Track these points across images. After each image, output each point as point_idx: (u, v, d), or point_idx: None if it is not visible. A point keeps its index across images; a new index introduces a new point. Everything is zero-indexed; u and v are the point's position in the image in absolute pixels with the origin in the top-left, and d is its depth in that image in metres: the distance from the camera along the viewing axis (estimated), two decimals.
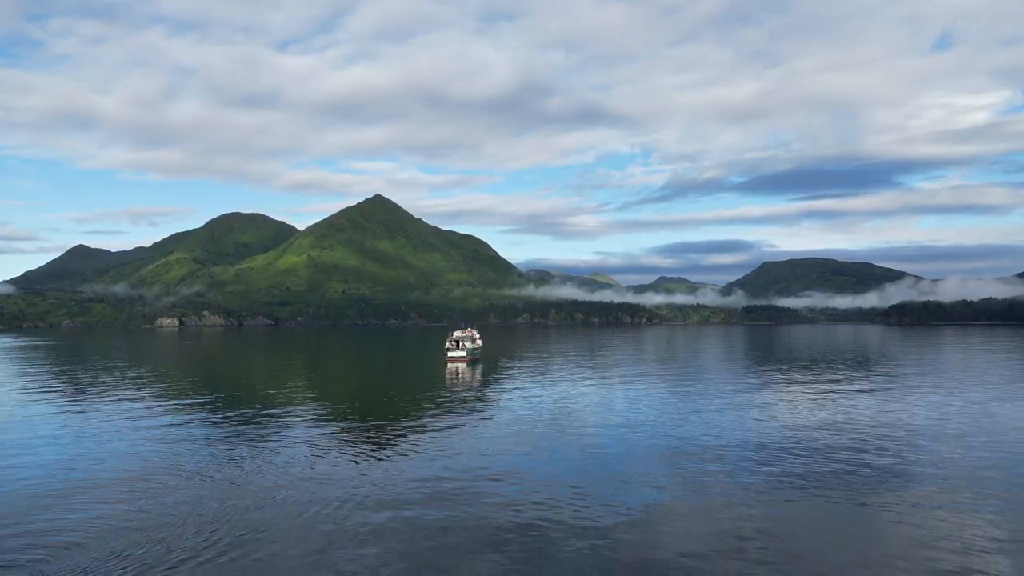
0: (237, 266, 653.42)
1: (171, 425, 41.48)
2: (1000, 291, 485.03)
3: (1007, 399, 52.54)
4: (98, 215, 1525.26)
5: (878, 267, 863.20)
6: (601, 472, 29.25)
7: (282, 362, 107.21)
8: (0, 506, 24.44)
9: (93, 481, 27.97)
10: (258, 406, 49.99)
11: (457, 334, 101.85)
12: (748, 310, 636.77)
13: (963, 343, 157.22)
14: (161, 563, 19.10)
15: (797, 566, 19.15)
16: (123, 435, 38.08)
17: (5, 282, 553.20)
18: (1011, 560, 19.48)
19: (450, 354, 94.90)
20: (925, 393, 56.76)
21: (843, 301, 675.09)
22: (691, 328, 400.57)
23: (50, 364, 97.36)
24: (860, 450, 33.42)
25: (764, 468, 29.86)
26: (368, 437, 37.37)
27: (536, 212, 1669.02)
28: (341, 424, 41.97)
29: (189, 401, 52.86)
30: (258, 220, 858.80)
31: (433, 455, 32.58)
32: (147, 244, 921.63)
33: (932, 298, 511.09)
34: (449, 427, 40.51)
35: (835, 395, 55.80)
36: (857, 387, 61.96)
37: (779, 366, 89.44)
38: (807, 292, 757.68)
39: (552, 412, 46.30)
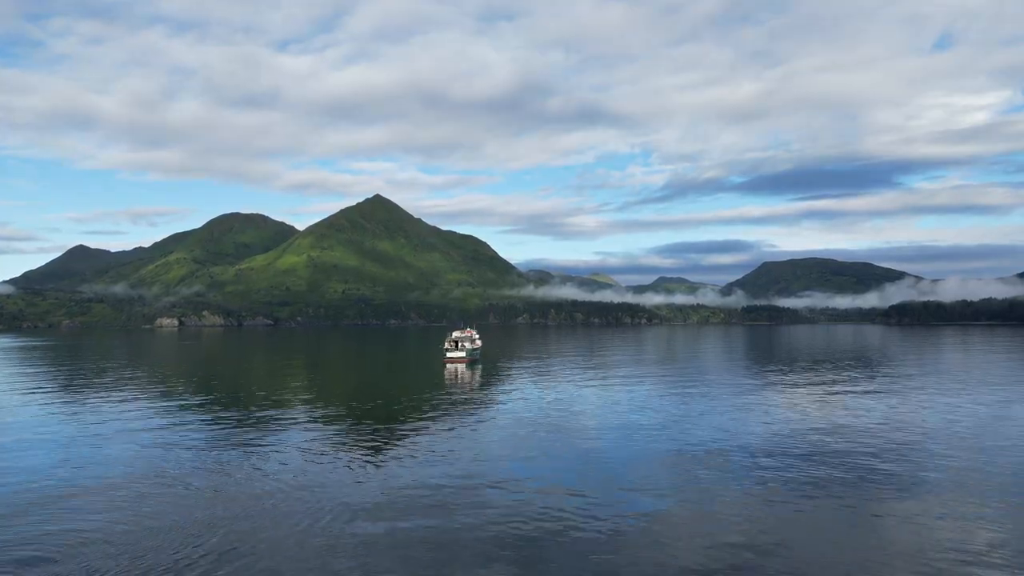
0: (237, 266, 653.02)
1: (160, 428, 40.68)
2: (1000, 291, 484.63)
3: (1011, 401, 51.72)
4: (98, 215, 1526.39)
5: (878, 267, 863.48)
6: (602, 477, 28.52)
7: (281, 362, 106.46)
8: None
9: (73, 488, 27.03)
10: (253, 408, 49.19)
11: (456, 334, 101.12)
12: (748, 310, 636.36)
13: (963, 343, 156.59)
14: None
15: (800, 571, 18.49)
16: (110, 439, 37.22)
17: (5, 282, 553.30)
18: (1015, 563, 18.86)
19: (449, 355, 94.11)
20: (927, 394, 55.97)
21: (843, 301, 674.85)
22: (691, 328, 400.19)
23: (46, 365, 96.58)
24: (862, 453, 32.67)
25: (767, 472, 29.12)
26: (362, 442, 36.59)
27: (536, 212, 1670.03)
28: (336, 427, 41.16)
29: (182, 403, 52.06)
30: (258, 220, 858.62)
31: (430, 460, 31.77)
32: (147, 244, 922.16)
33: (932, 298, 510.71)
34: (447, 430, 39.77)
35: (836, 396, 55.04)
36: (858, 388, 61.19)
37: (780, 367, 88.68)
38: (807, 292, 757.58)
39: (552, 415, 45.53)
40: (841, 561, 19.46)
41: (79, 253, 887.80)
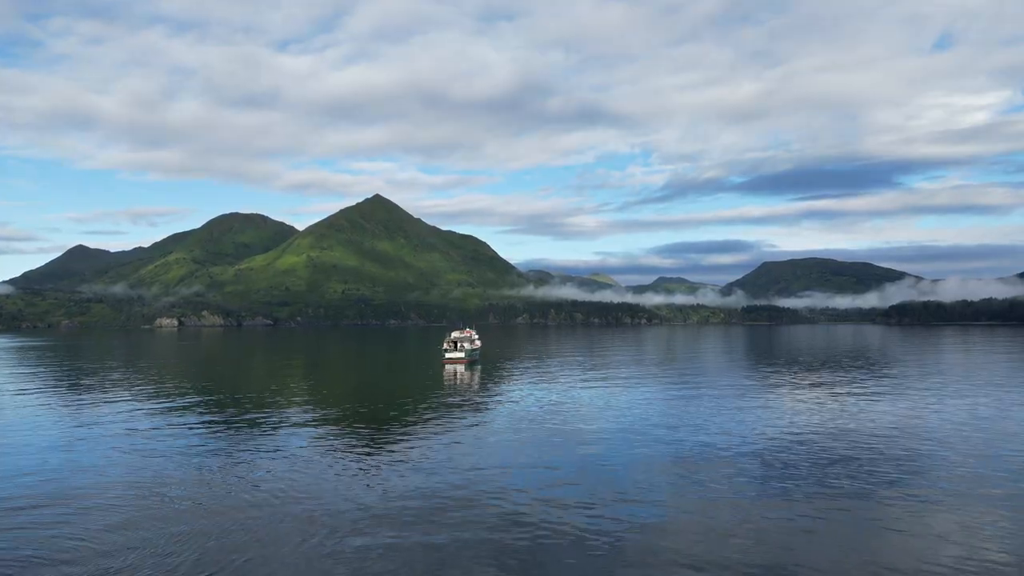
0: (236, 266, 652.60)
1: (148, 431, 40.06)
2: (1000, 291, 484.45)
3: (1013, 402, 51.52)
4: (97, 215, 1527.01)
5: (878, 267, 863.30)
6: (602, 481, 28.28)
7: (280, 363, 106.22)
8: None
9: (36, 498, 25.58)
10: (251, 410, 48.93)
11: (455, 335, 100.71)
12: (748, 310, 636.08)
13: (964, 344, 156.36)
14: None
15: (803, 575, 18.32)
16: (91, 444, 36.01)
17: (4, 282, 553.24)
18: (1018, 564, 18.70)
19: (448, 355, 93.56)
20: (928, 395, 55.75)
21: (843, 301, 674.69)
22: (691, 328, 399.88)
23: (42, 365, 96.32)
24: (863, 454, 32.46)
25: (768, 475, 28.92)
26: (359, 446, 36.24)
27: (536, 212, 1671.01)
28: (333, 431, 40.84)
29: (177, 405, 51.72)
30: (257, 220, 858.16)
31: (427, 466, 31.21)
32: (146, 244, 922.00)
33: (932, 298, 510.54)
34: (445, 434, 39.41)
35: (837, 398, 54.83)
36: (859, 389, 60.99)
37: (780, 368, 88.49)
38: (807, 292, 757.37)
39: (552, 416, 45.28)
40: (843, 565, 19.26)
41: (79, 253, 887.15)
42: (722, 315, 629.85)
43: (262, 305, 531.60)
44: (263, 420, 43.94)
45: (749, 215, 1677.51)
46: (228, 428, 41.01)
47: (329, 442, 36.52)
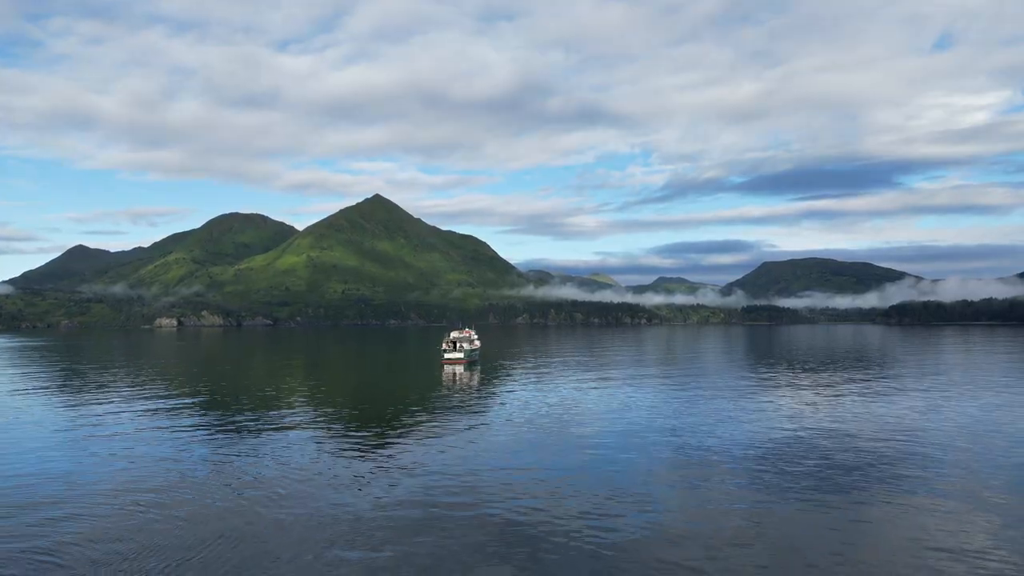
0: (236, 266, 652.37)
1: (141, 432, 39.84)
2: (1000, 291, 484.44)
3: (1014, 402, 51.40)
4: (97, 215, 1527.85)
5: (878, 267, 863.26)
6: (602, 483, 28.17)
7: (280, 363, 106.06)
8: None
9: (27, 503, 24.90)
10: (249, 411, 48.77)
11: (454, 335, 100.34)
12: (748, 310, 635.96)
13: (964, 344, 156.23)
14: None
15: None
16: (73, 446, 35.47)
17: (4, 282, 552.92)
18: (1017, 564, 18.61)
19: (447, 356, 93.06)
20: (929, 395, 55.61)
21: (843, 301, 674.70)
22: (691, 328, 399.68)
23: (37, 366, 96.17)
24: (864, 455, 32.35)
25: (771, 476, 28.81)
26: (353, 449, 35.94)
27: (536, 212, 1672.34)
28: (327, 432, 40.63)
29: (174, 406, 51.55)
30: (257, 220, 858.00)
31: (422, 471, 30.84)
32: (146, 244, 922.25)
33: (932, 298, 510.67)
34: (442, 437, 39.13)
35: (837, 398, 54.71)
36: (859, 389, 60.86)
37: (781, 368, 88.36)
38: (807, 292, 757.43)
39: (551, 418, 45.14)
40: (844, 565, 19.17)
41: (78, 253, 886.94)
42: (722, 315, 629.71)
43: (262, 305, 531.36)
44: (262, 421, 43.76)
45: (749, 215, 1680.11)
46: (227, 430, 40.76)
47: (327, 445, 36.14)
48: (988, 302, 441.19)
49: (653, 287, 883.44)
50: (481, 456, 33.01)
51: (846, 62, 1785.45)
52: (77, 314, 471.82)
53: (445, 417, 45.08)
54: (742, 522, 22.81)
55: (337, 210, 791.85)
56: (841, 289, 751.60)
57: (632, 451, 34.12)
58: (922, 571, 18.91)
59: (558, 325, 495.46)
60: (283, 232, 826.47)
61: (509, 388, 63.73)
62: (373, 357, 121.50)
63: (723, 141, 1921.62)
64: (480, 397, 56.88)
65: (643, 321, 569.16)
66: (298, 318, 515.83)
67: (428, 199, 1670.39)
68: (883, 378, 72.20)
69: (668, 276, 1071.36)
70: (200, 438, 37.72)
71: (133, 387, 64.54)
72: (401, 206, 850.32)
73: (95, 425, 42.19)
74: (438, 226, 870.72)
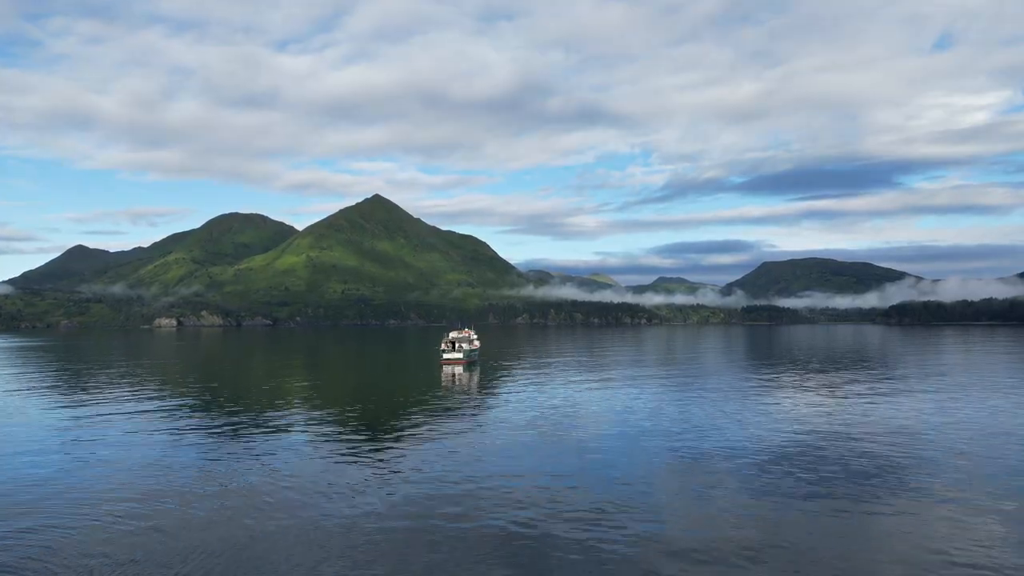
0: (236, 266, 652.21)
1: (136, 433, 39.40)
2: (1000, 291, 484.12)
3: (1014, 403, 51.05)
4: (97, 215, 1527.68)
5: (878, 267, 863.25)
6: (603, 483, 27.82)
7: (279, 363, 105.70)
8: None
9: (23, 505, 24.62)
10: (247, 412, 48.39)
11: (453, 335, 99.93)
12: (748, 310, 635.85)
13: (964, 344, 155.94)
14: None
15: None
16: (59, 450, 34.92)
17: (4, 282, 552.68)
18: (1017, 564, 18.25)
19: (446, 356, 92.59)
20: (929, 396, 55.27)
21: (843, 301, 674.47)
22: (691, 328, 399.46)
23: (35, 366, 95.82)
24: (864, 456, 32.00)
25: (769, 476, 28.47)
26: (352, 451, 35.52)
27: (536, 212, 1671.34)
28: (325, 433, 40.27)
29: (172, 406, 51.17)
30: (257, 220, 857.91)
31: (420, 474, 30.41)
32: (146, 244, 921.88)
33: (932, 298, 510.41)
34: (440, 439, 38.77)
35: (837, 398, 54.35)
36: (859, 390, 60.52)
37: (781, 368, 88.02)
38: (807, 292, 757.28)
39: (551, 419, 44.77)
40: (845, 566, 18.90)
41: (78, 253, 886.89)
42: (722, 315, 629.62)
43: (262, 305, 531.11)
44: (257, 424, 43.30)
45: (749, 215, 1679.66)
46: (219, 433, 40.28)
47: (321, 450, 35.57)
48: (988, 302, 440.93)
49: (653, 287, 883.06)
50: (479, 461, 32.53)
51: (846, 62, 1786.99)
52: (76, 314, 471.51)
53: (443, 419, 44.69)
54: (745, 530, 22.42)
55: (337, 210, 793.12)
56: (841, 289, 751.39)
57: (633, 455, 33.75)
58: (924, 571, 18.67)
59: (558, 325, 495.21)
60: (283, 232, 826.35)
61: (508, 389, 63.37)
62: (372, 357, 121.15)
63: (723, 141, 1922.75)
64: (479, 398, 56.52)
65: (643, 321, 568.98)
66: (298, 318, 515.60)
67: (428, 199, 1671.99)
68: (884, 379, 71.86)
69: (668, 276, 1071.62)
70: (190, 442, 36.89)
71: (129, 388, 64.15)
72: (401, 206, 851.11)
73: (85, 428, 41.69)
74: (438, 226, 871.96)
